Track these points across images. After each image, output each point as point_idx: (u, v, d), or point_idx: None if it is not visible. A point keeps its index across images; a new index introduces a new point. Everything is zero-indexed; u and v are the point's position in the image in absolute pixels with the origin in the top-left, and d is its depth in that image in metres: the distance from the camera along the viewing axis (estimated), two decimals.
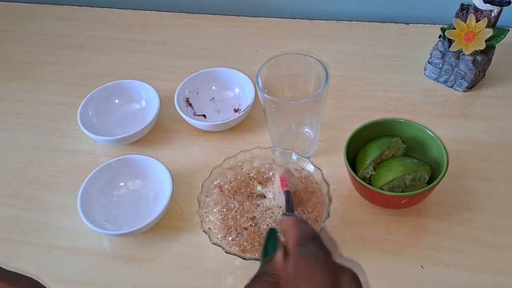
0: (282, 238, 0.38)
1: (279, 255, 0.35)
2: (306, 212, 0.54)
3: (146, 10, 0.95)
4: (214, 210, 0.55)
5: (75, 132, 0.72)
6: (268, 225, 0.53)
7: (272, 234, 0.39)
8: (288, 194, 0.51)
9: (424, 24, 0.84)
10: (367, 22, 0.87)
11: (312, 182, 0.56)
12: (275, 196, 0.55)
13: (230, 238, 0.52)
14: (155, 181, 0.62)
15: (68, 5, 0.98)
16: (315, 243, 0.35)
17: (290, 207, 0.50)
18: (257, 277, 0.34)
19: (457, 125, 0.68)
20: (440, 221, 0.57)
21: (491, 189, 0.60)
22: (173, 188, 0.59)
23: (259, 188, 0.56)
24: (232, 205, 0.55)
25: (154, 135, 0.71)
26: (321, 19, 0.88)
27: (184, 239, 0.58)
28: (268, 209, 0.54)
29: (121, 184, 0.63)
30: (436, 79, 0.74)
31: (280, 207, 0.54)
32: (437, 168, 0.56)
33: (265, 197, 0.55)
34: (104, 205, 0.61)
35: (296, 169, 0.57)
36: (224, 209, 0.55)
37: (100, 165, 0.62)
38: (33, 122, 0.75)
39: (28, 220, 0.62)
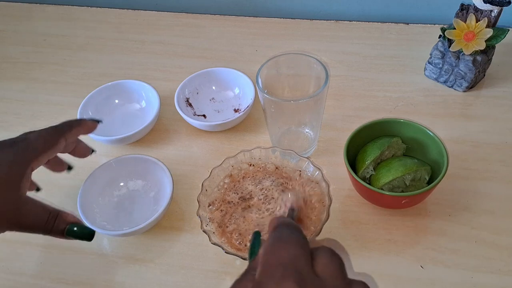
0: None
1: (261, 251, 0.36)
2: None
3: (146, 10, 0.95)
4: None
5: None
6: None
7: (257, 236, 0.40)
8: (291, 212, 0.51)
9: (424, 24, 0.85)
10: (367, 22, 0.87)
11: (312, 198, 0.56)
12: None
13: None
14: (155, 181, 0.62)
15: (68, 5, 0.98)
16: (288, 229, 0.35)
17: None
18: (243, 274, 0.34)
19: (457, 125, 0.68)
20: (440, 221, 0.57)
21: (491, 189, 0.60)
22: (173, 188, 0.59)
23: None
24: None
25: (154, 135, 0.71)
26: (321, 19, 0.88)
27: (184, 239, 0.58)
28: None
29: (121, 184, 0.63)
30: (436, 79, 0.74)
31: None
32: (437, 168, 0.56)
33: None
34: (104, 205, 0.61)
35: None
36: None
37: (100, 165, 0.62)
38: (33, 122, 0.75)
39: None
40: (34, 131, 0.48)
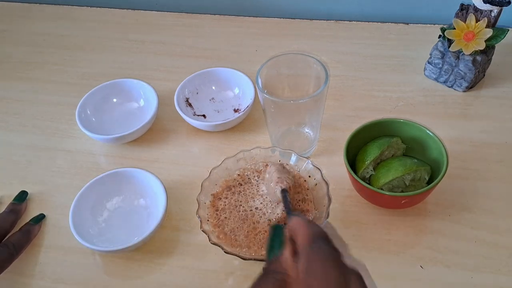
0: (288, 236, 0.38)
1: (287, 253, 0.35)
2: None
3: (146, 10, 0.95)
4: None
5: (75, 132, 0.72)
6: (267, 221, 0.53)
7: (277, 231, 0.38)
8: (284, 193, 0.51)
9: (424, 24, 0.85)
10: (367, 22, 0.87)
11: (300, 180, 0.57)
12: (268, 189, 0.54)
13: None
14: (149, 195, 0.61)
15: (68, 5, 0.98)
16: (325, 243, 0.35)
17: (288, 205, 0.50)
18: (264, 275, 0.33)
19: (457, 125, 0.68)
20: (440, 221, 0.57)
21: (491, 189, 0.60)
22: (167, 203, 0.58)
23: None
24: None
25: (154, 135, 0.71)
26: (321, 19, 0.88)
27: (184, 239, 0.58)
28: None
29: (114, 199, 0.61)
30: (436, 79, 0.74)
31: (272, 202, 0.54)
32: (437, 168, 0.56)
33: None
34: (96, 220, 0.59)
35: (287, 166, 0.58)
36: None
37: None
38: (33, 122, 0.75)
39: (28, 220, 0.62)
40: None
